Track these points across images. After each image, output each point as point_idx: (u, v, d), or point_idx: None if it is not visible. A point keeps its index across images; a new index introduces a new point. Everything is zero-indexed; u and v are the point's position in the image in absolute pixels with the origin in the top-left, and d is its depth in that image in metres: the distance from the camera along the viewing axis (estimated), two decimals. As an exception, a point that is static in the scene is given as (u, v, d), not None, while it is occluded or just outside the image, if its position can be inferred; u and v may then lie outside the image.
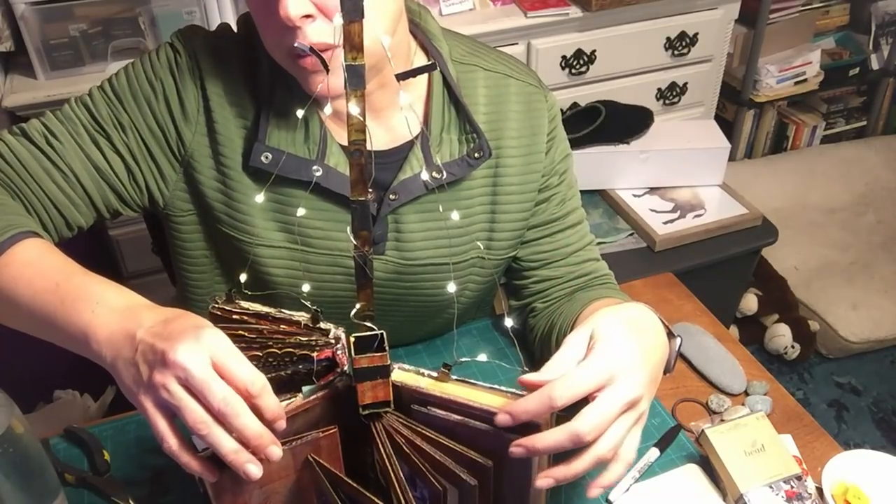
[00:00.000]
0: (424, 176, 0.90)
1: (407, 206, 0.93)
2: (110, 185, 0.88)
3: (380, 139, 0.92)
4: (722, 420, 0.95)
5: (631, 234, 1.90)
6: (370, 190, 0.92)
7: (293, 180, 0.88)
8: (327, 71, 0.73)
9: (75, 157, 0.85)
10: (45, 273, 0.71)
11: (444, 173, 0.92)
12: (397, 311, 1.02)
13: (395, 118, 0.93)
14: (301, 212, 0.84)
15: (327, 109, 0.68)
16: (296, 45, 0.76)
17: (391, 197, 0.92)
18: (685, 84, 2.21)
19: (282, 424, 0.63)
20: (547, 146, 0.99)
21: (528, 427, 0.65)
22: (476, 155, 0.93)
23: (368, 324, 0.66)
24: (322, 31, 0.77)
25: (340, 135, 0.90)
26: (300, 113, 0.69)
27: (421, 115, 0.94)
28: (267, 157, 0.87)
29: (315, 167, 0.88)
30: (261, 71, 0.88)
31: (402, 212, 0.94)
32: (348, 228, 0.63)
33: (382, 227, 0.93)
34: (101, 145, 0.87)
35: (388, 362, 0.65)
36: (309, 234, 0.92)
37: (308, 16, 0.76)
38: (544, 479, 0.66)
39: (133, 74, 0.88)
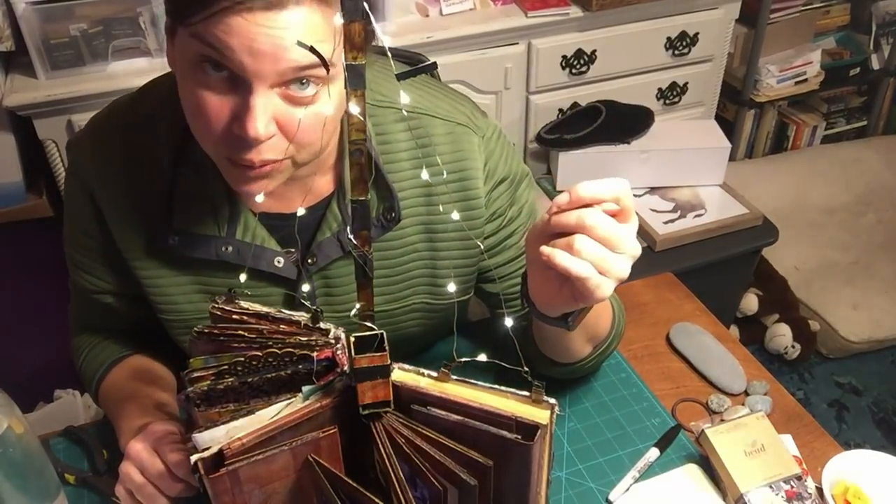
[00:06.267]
0: (334, 232, 0.88)
1: (334, 262, 0.90)
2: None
3: (297, 202, 0.89)
4: (722, 420, 0.95)
5: (631, 234, 1.90)
6: (293, 250, 0.89)
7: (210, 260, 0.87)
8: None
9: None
10: (112, 396, 0.98)
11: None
12: None
13: (313, 179, 0.88)
14: (243, 277, 0.77)
15: (259, 198, 0.72)
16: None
17: (309, 261, 0.89)
18: (685, 84, 2.21)
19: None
20: (486, 188, 0.92)
21: (529, 428, 0.65)
22: (389, 216, 0.89)
23: (368, 324, 0.66)
24: (276, 148, 0.74)
25: (253, 203, 0.87)
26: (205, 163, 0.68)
27: (334, 172, 0.90)
28: (174, 240, 0.86)
29: (223, 245, 0.87)
30: (161, 154, 0.86)
31: (331, 268, 0.91)
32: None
33: (312, 286, 0.91)
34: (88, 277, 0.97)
35: (388, 362, 0.65)
36: None
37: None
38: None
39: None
